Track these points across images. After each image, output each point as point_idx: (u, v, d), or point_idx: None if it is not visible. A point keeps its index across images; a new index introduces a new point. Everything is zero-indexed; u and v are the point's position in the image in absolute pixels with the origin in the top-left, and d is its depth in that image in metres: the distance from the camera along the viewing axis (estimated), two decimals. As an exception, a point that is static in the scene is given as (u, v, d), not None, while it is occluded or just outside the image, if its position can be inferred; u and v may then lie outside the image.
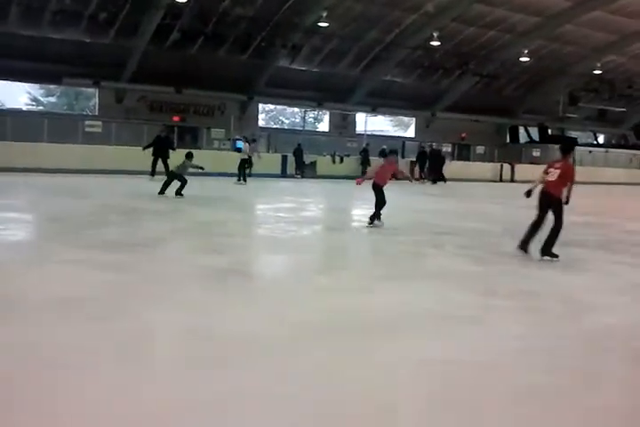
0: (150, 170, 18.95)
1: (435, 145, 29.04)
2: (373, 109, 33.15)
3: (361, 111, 33.76)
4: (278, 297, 5.20)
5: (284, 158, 25.91)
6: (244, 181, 19.98)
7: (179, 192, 13.36)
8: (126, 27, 24.74)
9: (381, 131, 36.53)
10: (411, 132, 37.93)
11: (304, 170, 25.57)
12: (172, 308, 4.67)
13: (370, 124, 33.66)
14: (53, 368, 3.39)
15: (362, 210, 14.28)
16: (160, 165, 18.64)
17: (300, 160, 25.53)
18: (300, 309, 4.83)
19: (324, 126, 35.34)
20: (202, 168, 14.03)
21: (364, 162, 26.18)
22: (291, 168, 25.72)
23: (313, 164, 26.27)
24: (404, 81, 33.81)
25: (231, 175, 20.59)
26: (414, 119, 37.48)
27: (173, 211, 11.47)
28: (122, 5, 23.77)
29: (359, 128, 34.22)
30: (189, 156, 13.98)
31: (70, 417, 2.86)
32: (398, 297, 5.31)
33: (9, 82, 26.02)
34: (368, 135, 31.24)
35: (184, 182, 13.45)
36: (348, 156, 27.93)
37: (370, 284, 5.85)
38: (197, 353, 3.72)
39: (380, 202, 9.78)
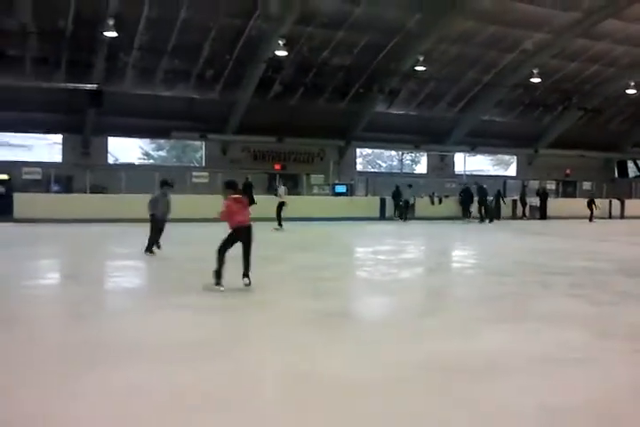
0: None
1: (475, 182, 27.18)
2: (472, 149, 32.89)
3: (459, 151, 33.58)
4: (380, 340, 5.23)
5: (383, 201, 26.05)
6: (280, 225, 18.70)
7: None
8: (231, 82, 26.10)
9: (480, 170, 36.04)
10: (512, 171, 37.19)
11: (403, 212, 25.56)
12: (280, 351, 4.82)
13: (469, 163, 33.34)
14: (176, 410, 3.58)
15: (463, 251, 14.11)
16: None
17: (398, 202, 25.57)
18: (403, 351, 4.84)
19: (421, 168, 35.33)
20: None
21: (465, 202, 25.80)
22: (389, 211, 25.78)
23: (411, 206, 26.23)
24: (503, 119, 33.43)
25: (332, 220, 20.88)
26: (515, 157, 36.78)
27: (275, 256, 11.75)
28: (226, 62, 25.16)
29: (458, 168, 33.94)
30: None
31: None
32: (505, 339, 5.22)
33: (124, 138, 27.91)
34: (467, 175, 30.91)
35: None
36: (447, 196, 27.71)
37: (475, 326, 5.77)
38: (302, 395, 3.81)
39: None
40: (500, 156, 37.59)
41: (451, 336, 5.35)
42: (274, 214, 18.54)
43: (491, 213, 25.55)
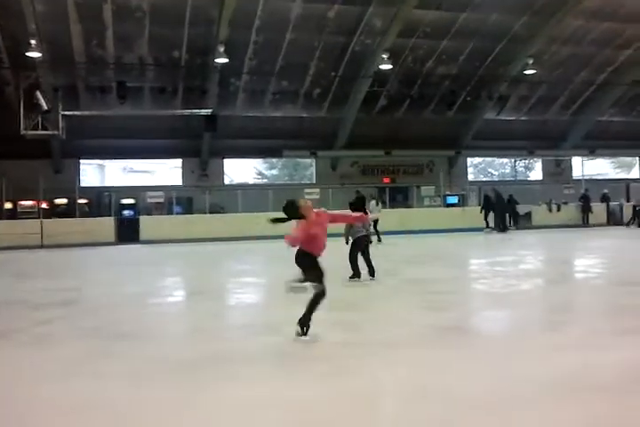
0: None
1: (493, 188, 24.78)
2: (591, 152, 31.40)
3: (576, 155, 32.17)
4: (503, 354, 5.12)
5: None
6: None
7: None
8: (337, 98, 26.50)
9: (600, 174, 34.32)
10: (635, 173, 35.13)
11: (518, 221, 24.78)
12: (398, 365, 4.84)
13: (587, 167, 31.85)
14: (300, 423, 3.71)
15: (587, 260, 13.49)
16: None
17: (513, 211, 24.83)
18: (527, 366, 4.72)
19: (536, 174, 34.11)
20: None
21: (585, 209, 24.69)
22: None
23: (527, 214, 25.38)
24: (623, 119, 31.71)
25: (444, 231, 20.60)
26: (638, 158, 34.75)
27: (388, 269, 11.69)
28: (332, 79, 25.61)
29: (575, 173, 32.50)
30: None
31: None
32: (638, 354, 4.97)
33: (238, 159, 28.98)
34: (586, 180, 29.53)
35: None
36: (565, 203, 26.58)
37: (604, 339, 5.53)
38: (424, 411, 3.83)
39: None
40: (621, 158, 35.64)
41: (578, 351, 5.16)
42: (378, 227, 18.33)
43: (516, 221, 24.30)
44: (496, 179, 34.40)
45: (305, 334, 5.64)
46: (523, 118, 30.35)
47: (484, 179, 34.04)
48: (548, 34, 24.49)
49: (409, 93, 26.84)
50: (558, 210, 26.11)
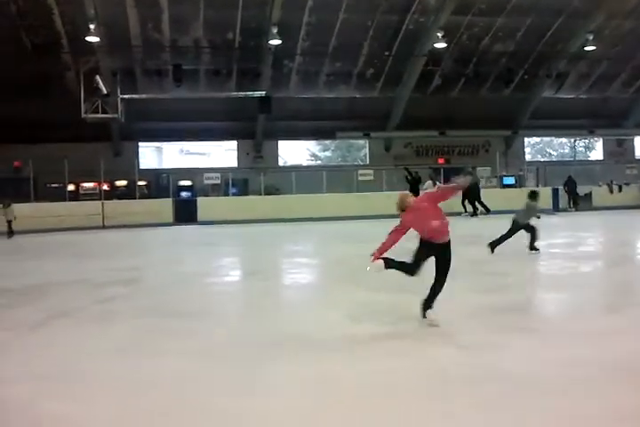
0: None
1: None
2: (655, 131, 30.29)
3: (639, 134, 31.06)
4: (564, 337, 5.07)
5: (555, 192, 24.79)
6: None
7: (533, 246, 10.73)
8: (391, 78, 26.24)
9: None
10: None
11: (578, 202, 24.17)
12: (456, 347, 4.85)
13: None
14: (360, 397, 3.78)
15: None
16: None
17: (572, 192, 24.22)
18: (587, 349, 4.67)
19: (596, 154, 33.12)
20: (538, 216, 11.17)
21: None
22: (563, 202, 24.49)
23: (588, 195, 24.71)
24: (689, 95, 30.41)
25: (500, 213, 20.25)
26: None
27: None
28: (386, 59, 25.36)
29: (639, 153, 31.40)
30: (534, 196, 11.29)
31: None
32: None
33: (292, 140, 29.10)
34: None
35: (533, 233, 10.81)
36: (627, 184, 25.75)
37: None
38: (482, 392, 3.84)
39: None
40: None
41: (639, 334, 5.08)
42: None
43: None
44: (555, 159, 33.60)
45: (429, 315, 5.52)
46: (582, 96, 29.43)
47: (542, 159, 33.28)
48: (609, 8, 23.60)
49: (464, 72, 26.35)
50: (620, 191, 25.33)
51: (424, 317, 5.54)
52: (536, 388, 3.83)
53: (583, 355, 4.49)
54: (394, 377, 4.14)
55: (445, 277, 5.52)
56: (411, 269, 5.55)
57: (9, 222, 17.93)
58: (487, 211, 20.55)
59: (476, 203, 20.89)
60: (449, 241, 5.55)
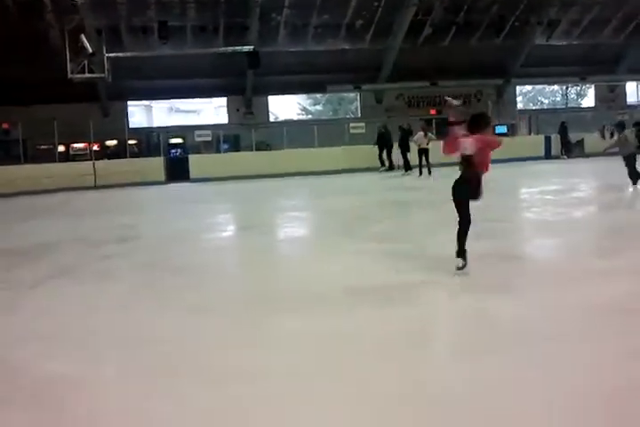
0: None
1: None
2: (647, 76, 30.01)
3: (631, 80, 30.79)
4: (554, 281, 5.16)
5: (547, 139, 24.77)
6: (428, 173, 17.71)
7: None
8: (380, 30, 25.77)
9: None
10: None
11: (570, 149, 24.17)
12: (454, 293, 4.93)
13: (642, 92, 30.53)
14: (356, 355, 3.88)
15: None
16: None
17: (565, 140, 24.20)
18: (581, 292, 4.73)
19: (588, 101, 32.91)
20: None
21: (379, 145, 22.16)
22: (555, 149, 24.51)
23: (580, 142, 24.69)
24: (681, 40, 30.03)
25: (494, 162, 20.25)
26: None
27: (431, 201, 11.57)
28: (375, 10, 24.85)
29: (631, 99, 31.21)
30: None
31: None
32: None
33: (282, 96, 28.78)
34: (642, 105, 28.39)
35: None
36: (620, 127, 25.62)
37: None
38: (476, 337, 3.95)
39: None
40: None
41: (632, 276, 5.16)
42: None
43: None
44: (546, 107, 33.42)
45: (463, 267, 5.46)
46: (574, 43, 28.98)
47: (534, 107, 33.10)
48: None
49: (455, 21, 25.86)
50: (612, 136, 25.24)
51: (464, 261, 5.45)
52: (529, 332, 3.92)
53: (576, 298, 4.55)
54: (400, 326, 4.16)
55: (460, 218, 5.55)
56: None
57: None
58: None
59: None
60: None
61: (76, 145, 24.02)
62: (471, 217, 5.51)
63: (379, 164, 21.49)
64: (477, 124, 5.57)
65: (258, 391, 3.18)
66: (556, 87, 33.03)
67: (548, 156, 24.40)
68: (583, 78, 29.58)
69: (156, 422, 2.98)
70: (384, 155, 21.50)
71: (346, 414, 2.89)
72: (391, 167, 20.63)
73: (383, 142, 21.62)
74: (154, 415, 3.03)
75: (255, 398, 3.10)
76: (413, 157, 18.69)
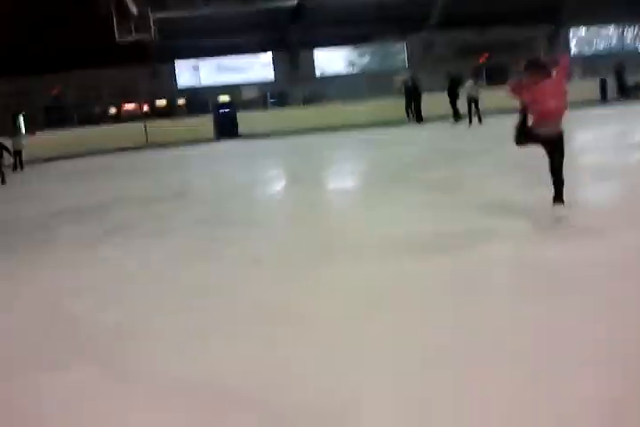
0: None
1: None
2: None
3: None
4: (609, 227, 5.04)
5: (603, 82, 23.87)
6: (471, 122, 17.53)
7: None
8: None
9: None
10: None
11: (628, 93, 23.26)
12: (503, 240, 4.88)
13: None
14: (383, 309, 3.97)
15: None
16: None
17: (622, 82, 23.27)
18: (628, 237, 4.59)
19: (647, 44, 31.35)
20: None
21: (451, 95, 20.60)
22: (612, 92, 23.62)
23: (638, 85, 23.72)
24: None
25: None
26: None
27: (483, 148, 11.42)
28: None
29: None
30: None
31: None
32: None
33: (328, 49, 28.39)
34: None
35: None
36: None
37: None
38: (525, 281, 3.97)
39: None
40: None
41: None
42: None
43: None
44: (602, 50, 32.01)
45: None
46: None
47: (589, 52, 31.73)
48: None
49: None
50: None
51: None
52: (581, 278, 3.89)
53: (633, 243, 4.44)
54: (437, 273, 4.16)
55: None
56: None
57: (17, 153, 16.16)
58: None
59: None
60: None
61: (126, 106, 24.44)
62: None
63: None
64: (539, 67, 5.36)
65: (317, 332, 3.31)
66: (611, 30, 31.53)
67: (604, 99, 23.57)
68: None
69: (221, 365, 3.10)
70: (412, 107, 21.33)
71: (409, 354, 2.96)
72: (459, 116, 18.82)
73: (410, 95, 21.43)
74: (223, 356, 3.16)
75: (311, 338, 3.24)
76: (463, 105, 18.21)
